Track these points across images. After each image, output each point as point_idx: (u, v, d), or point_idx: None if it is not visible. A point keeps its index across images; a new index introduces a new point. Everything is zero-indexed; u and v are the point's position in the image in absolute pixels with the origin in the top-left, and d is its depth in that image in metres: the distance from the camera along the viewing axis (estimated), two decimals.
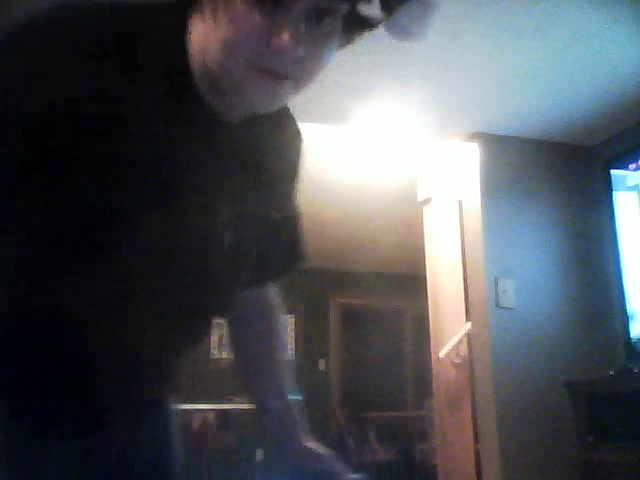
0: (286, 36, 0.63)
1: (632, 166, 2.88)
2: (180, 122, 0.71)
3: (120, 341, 0.74)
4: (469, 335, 3.46)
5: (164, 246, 0.73)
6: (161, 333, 0.78)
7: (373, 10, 0.68)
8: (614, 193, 2.95)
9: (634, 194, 2.87)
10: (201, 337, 0.86)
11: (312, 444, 0.92)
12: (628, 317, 2.82)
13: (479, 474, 3.19)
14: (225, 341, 5.14)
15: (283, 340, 1.04)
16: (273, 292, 1.02)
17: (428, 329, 3.94)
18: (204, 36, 0.68)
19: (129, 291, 0.73)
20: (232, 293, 0.87)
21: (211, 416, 5.55)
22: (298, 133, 0.93)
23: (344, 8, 0.66)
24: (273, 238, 0.90)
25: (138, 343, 0.75)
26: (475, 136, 3.33)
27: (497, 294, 3.12)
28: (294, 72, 0.67)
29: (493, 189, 3.27)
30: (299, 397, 0.97)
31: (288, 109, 0.89)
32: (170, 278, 0.75)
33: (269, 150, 0.85)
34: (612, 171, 2.98)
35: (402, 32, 0.70)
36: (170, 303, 0.77)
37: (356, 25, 0.69)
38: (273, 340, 1.00)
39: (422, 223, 4.07)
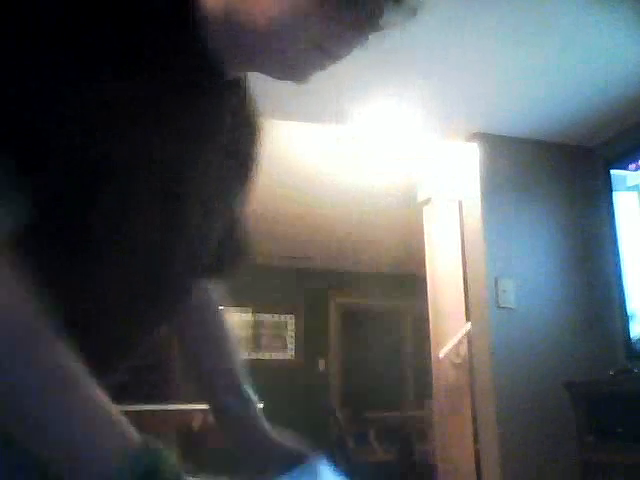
0: (350, 27, 0.65)
1: (632, 166, 2.88)
2: (172, 68, 0.61)
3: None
4: (469, 335, 3.46)
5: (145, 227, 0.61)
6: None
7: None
8: (614, 193, 2.95)
9: (634, 194, 2.87)
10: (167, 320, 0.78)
11: (278, 433, 0.88)
12: (628, 317, 2.82)
13: (479, 474, 3.19)
14: None
15: (234, 340, 0.97)
16: (216, 293, 0.96)
17: (428, 329, 3.95)
18: None
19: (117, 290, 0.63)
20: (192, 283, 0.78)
21: (211, 416, 5.55)
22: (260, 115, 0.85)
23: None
24: (230, 231, 0.83)
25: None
26: (475, 136, 3.33)
27: (497, 294, 3.11)
28: (343, 54, 0.70)
29: (493, 189, 3.27)
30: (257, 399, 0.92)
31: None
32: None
33: (250, 124, 0.79)
34: (612, 171, 2.98)
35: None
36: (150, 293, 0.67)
37: (381, 22, 0.69)
38: (224, 339, 0.95)
39: (422, 223, 4.08)
